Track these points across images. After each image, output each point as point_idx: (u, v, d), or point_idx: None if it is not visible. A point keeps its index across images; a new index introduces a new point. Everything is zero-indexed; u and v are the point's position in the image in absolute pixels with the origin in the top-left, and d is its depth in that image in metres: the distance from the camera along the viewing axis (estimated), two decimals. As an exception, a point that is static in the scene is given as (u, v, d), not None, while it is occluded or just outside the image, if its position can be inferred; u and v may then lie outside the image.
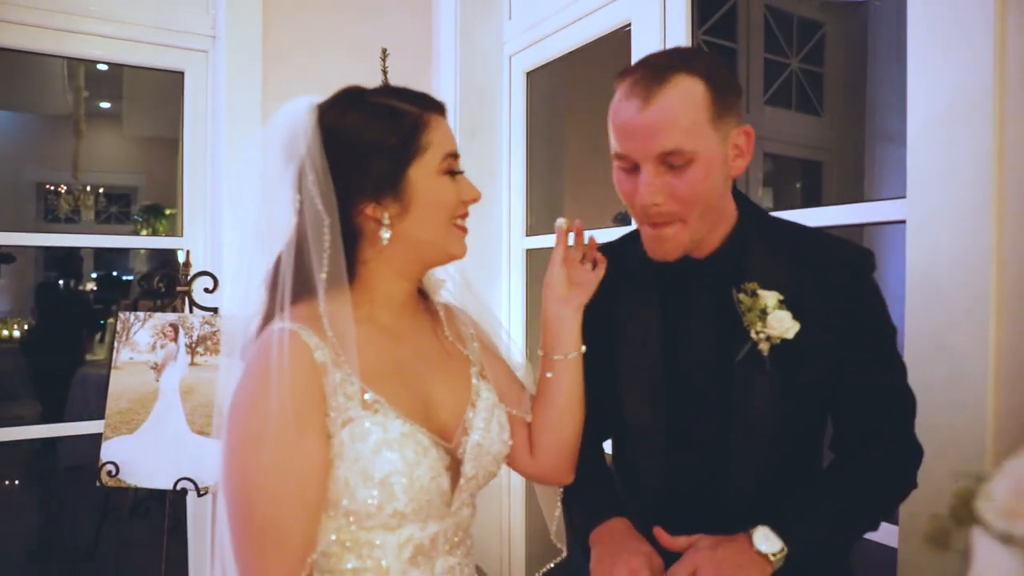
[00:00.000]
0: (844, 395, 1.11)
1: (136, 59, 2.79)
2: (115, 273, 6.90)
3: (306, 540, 0.91)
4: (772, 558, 0.99)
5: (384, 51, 2.59)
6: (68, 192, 6.79)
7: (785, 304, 1.07)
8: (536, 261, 2.92)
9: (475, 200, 1.10)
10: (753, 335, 1.07)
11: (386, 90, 1.08)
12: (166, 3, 2.77)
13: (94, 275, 6.84)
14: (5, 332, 5.44)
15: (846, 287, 1.10)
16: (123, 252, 6.83)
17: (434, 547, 1.02)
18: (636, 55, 2.24)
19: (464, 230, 1.10)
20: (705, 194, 1.05)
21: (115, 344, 2.22)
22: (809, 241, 1.15)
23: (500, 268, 2.96)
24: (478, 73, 2.94)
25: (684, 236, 1.08)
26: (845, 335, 1.09)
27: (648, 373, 1.17)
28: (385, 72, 2.58)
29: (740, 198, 1.18)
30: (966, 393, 1.27)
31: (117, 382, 2.18)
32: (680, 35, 2.09)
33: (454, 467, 1.04)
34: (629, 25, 2.29)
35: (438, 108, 1.08)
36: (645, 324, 1.17)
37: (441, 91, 2.98)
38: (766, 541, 1.00)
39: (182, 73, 2.84)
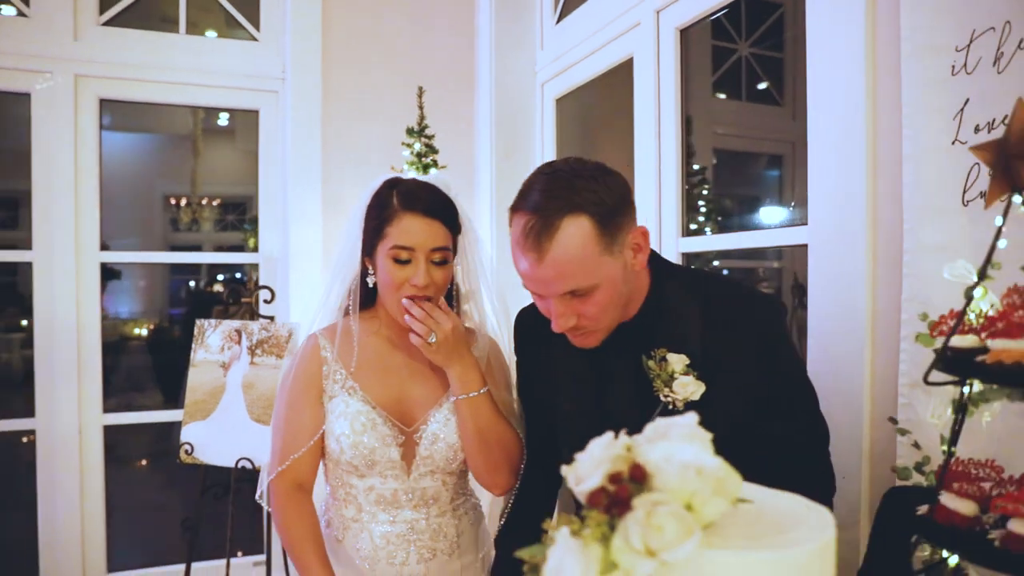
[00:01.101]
0: (756, 445, 1.17)
1: (220, 102, 3.27)
2: (238, 275, 7.67)
3: (298, 441, 1.45)
4: None
5: (420, 89, 2.91)
6: (188, 204, 7.63)
7: (693, 366, 1.16)
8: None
9: (415, 287, 1.38)
10: (662, 398, 1.18)
11: (404, 185, 1.43)
12: (245, 54, 3.22)
13: (220, 277, 7.60)
14: (136, 331, 6.25)
15: (754, 342, 1.17)
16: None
17: (396, 500, 1.46)
18: (639, 86, 2.44)
19: (414, 293, 1.39)
20: (614, 304, 1.17)
21: (192, 345, 2.67)
22: (718, 299, 1.22)
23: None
24: (512, 99, 3.21)
25: (601, 335, 1.21)
26: (756, 386, 1.17)
27: (583, 430, 1.31)
28: (421, 107, 2.90)
29: (653, 261, 1.26)
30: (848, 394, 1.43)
31: (194, 377, 2.63)
32: (670, 67, 2.28)
33: (410, 446, 1.45)
34: (632, 58, 2.50)
35: (418, 208, 1.38)
36: (573, 374, 1.30)
37: (479, 117, 3.29)
38: None
39: (258, 111, 3.29)
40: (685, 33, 2.27)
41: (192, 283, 7.24)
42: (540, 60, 3.19)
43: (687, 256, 2.28)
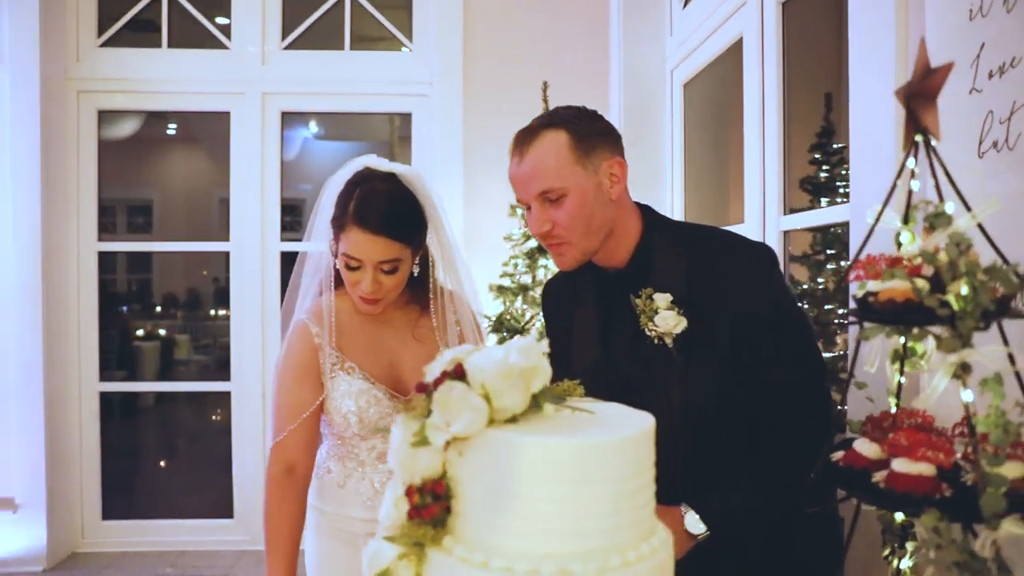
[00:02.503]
0: (746, 386, 1.24)
1: (379, 107, 3.69)
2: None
3: (294, 417, 1.49)
4: (698, 537, 1.21)
5: (545, 84, 3.08)
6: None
7: (677, 304, 1.24)
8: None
9: (362, 292, 1.45)
10: (647, 332, 1.26)
11: (364, 189, 1.45)
12: (399, 63, 3.61)
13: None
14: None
15: (736, 283, 1.23)
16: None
17: None
18: (747, 64, 2.41)
19: (365, 301, 1.47)
20: (585, 218, 1.26)
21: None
22: (702, 245, 1.30)
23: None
24: (641, 88, 3.26)
25: (575, 252, 1.30)
26: (739, 324, 1.21)
27: (589, 364, 1.40)
28: (545, 101, 3.06)
29: (646, 212, 1.37)
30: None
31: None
32: (773, 44, 2.23)
33: None
34: (741, 38, 2.46)
35: (367, 225, 1.39)
36: (588, 326, 1.41)
37: (611, 108, 3.38)
38: (695, 526, 1.21)
39: (410, 114, 3.66)
40: (787, 8, 2.21)
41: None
42: (669, 46, 3.21)
43: (787, 234, 2.22)
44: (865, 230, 1.41)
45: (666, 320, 1.25)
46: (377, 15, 3.60)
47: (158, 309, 8.88)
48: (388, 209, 1.42)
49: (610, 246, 1.33)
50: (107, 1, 3.54)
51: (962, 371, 0.69)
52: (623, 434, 0.66)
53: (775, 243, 2.21)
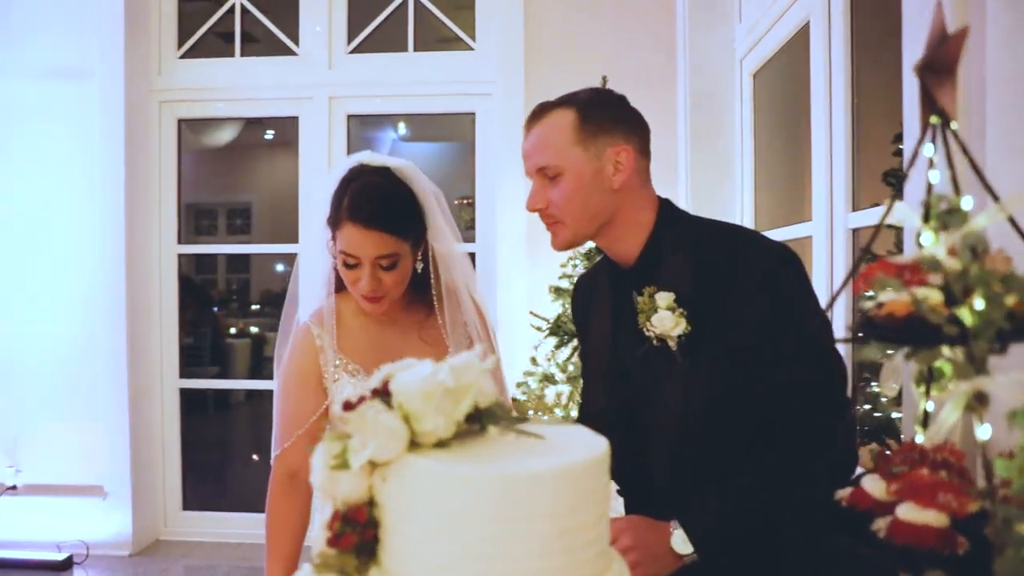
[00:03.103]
0: (751, 391, 1.14)
1: (442, 108, 3.69)
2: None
3: (286, 433, 1.46)
4: (684, 558, 1.14)
5: (604, 78, 2.97)
6: (468, 204, 8.52)
7: (681, 304, 1.17)
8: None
9: (362, 291, 1.39)
10: (646, 332, 1.19)
11: (357, 185, 1.40)
12: (462, 63, 3.59)
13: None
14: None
15: (744, 285, 1.16)
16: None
17: None
18: (814, 48, 2.23)
19: (367, 300, 1.41)
20: (579, 201, 1.23)
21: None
22: (717, 243, 1.24)
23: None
24: (708, 80, 3.10)
25: (567, 233, 1.26)
26: (746, 329, 1.13)
27: (600, 363, 1.37)
28: (605, 95, 2.96)
29: (662, 207, 1.31)
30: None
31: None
32: (840, 26, 2.05)
33: None
34: (808, 22, 2.29)
35: (360, 220, 1.35)
36: (600, 323, 1.37)
37: (677, 101, 3.23)
38: (683, 544, 1.13)
39: (474, 114, 3.64)
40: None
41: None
42: (738, 33, 3.03)
43: (856, 233, 2.03)
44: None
45: (663, 321, 1.18)
46: (440, 15, 3.60)
47: (253, 308, 9.32)
48: (382, 202, 1.38)
49: (614, 237, 1.29)
50: (186, 15, 3.70)
51: (977, 402, 0.57)
52: (556, 464, 0.58)
53: (842, 242, 2.03)
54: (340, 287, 1.49)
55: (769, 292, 1.17)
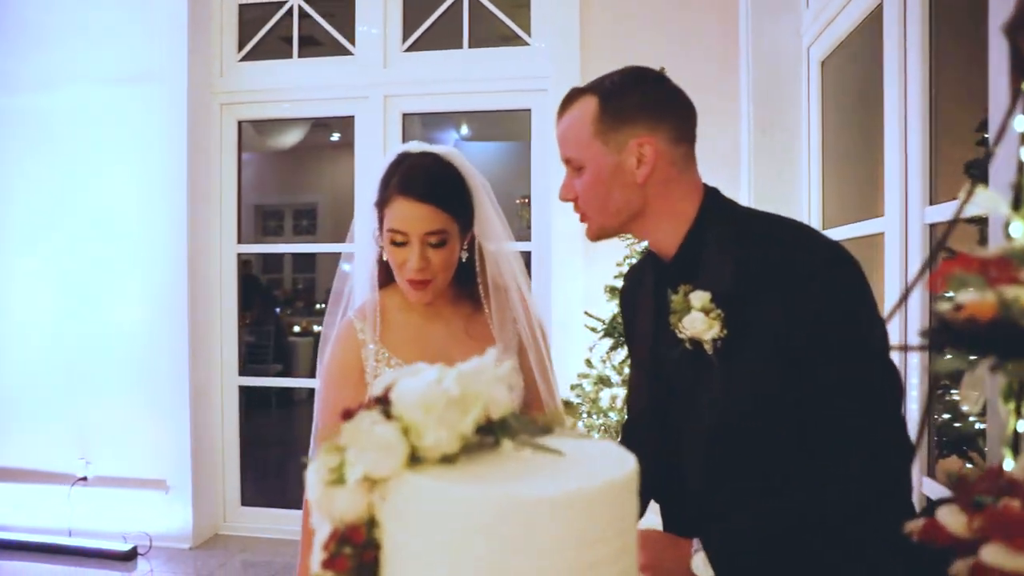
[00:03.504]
0: (791, 397, 1.05)
1: (497, 105, 3.63)
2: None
3: (328, 429, 1.41)
4: None
5: (662, 69, 2.85)
6: (528, 203, 8.45)
7: (719, 304, 1.07)
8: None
9: (411, 270, 1.36)
10: (678, 334, 1.11)
11: (406, 164, 1.40)
12: (518, 58, 3.53)
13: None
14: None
15: (787, 290, 1.05)
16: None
17: None
18: (887, 30, 2.08)
19: (414, 285, 1.38)
20: (600, 196, 1.17)
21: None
22: (764, 237, 1.13)
23: (798, 264, 2.92)
24: (773, 68, 2.95)
25: (594, 226, 1.21)
26: (784, 345, 1.04)
27: (640, 361, 1.31)
28: (662, 88, 2.85)
29: (707, 198, 1.21)
30: None
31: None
32: (916, 5, 1.90)
33: None
34: (881, 3, 2.13)
35: (412, 193, 1.35)
36: (642, 322, 1.30)
37: (740, 92, 3.09)
38: (703, 567, 1.06)
39: (530, 110, 3.57)
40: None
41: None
42: (805, 19, 2.87)
43: (933, 228, 1.87)
44: None
45: (694, 323, 1.09)
46: (495, 10, 3.55)
47: (318, 307, 9.51)
48: (432, 178, 1.39)
49: (648, 229, 1.22)
50: (246, 18, 3.77)
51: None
52: (568, 487, 0.51)
53: (918, 239, 1.87)
54: (384, 283, 1.48)
55: (816, 293, 1.05)
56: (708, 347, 1.10)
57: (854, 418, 1.03)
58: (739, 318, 1.08)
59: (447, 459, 0.55)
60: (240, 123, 3.79)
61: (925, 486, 1.87)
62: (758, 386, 1.09)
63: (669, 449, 1.22)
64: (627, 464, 0.57)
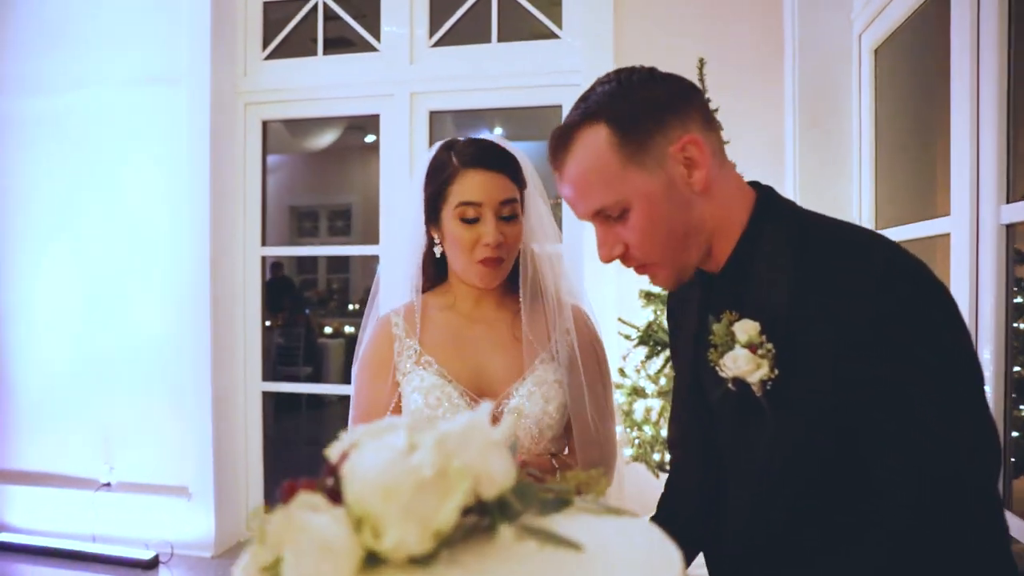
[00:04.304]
0: (856, 451, 0.87)
1: (527, 101, 3.48)
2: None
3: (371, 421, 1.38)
4: None
5: (701, 61, 2.68)
6: (557, 204, 8.32)
7: (771, 334, 0.90)
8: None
9: (488, 245, 1.28)
10: (719, 373, 0.94)
11: (460, 145, 1.35)
12: (548, 52, 3.38)
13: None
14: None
15: (857, 316, 0.86)
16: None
17: None
18: (956, 10, 1.87)
19: (487, 265, 1.30)
20: (663, 232, 0.97)
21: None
22: (819, 251, 0.93)
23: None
24: (820, 59, 2.74)
25: (669, 272, 1.01)
26: (849, 383, 0.86)
27: (679, 388, 1.17)
28: (702, 80, 2.66)
29: (760, 197, 1.02)
30: None
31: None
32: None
33: (492, 423, 1.31)
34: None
35: (480, 163, 1.30)
36: (683, 348, 1.14)
37: (785, 84, 2.89)
38: None
39: (560, 106, 3.42)
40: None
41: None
42: (856, 4, 2.66)
43: (1011, 229, 1.66)
44: None
45: (737, 362, 0.91)
46: (524, 3, 3.40)
47: (351, 308, 9.47)
48: (494, 150, 1.34)
49: (713, 248, 1.02)
50: (272, 18, 3.68)
51: None
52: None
53: (991, 240, 1.67)
54: (428, 284, 1.43)
55: (890, 334, 0.85)
56: (756, 388, 0.92)
57: (904, 518, 0.84)
58: (795, 347, 0.90)
59: (419, 560, 0.40)
60: (265, 123, 3.70)
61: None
62: (808, 445, 0.92)
63: (709, 482, 1.09)
64: (671, 566, 0.41)
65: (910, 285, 0.88)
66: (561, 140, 0.99)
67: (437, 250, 1.36)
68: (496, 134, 6.96)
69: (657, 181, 0.96)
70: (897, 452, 0.84)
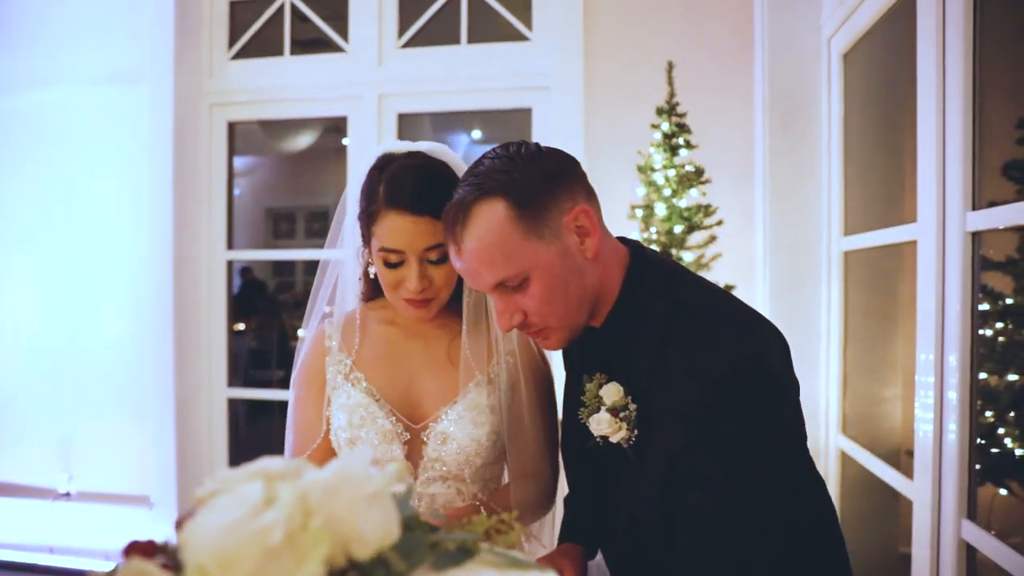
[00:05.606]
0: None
1: (497, 104, 3.43)
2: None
3: (305, 441, 1.32)
4: None
5: (670, 64, 2.65)
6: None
7: (637, 401, 1.02)
8: (854, 263, 2.58)
9: (410, 292, 1.20)
10: (590, 430, 1.06)
11: (391, 169, 1.23)
12: (518, 54, 3.33)
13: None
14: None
15: (697, 387, 0.96)
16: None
17: None
18: (922, 17, 1.85)
19: (414, 305, 1.23)
20: (560, 298, 1.02)
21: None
22: (682, 333, 1.01)
23: (819, 271, 2.69)
24: (791, 63, 2.72)
25: (561, 334, 1.07)
26: (691, 434, 0.98)
27: (565, 433, 1.24)
28: (671, 84, 2.64)
29: (632, 255, 1.10)
30: None
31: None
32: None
33: (417, 446, 1.27)
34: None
35: (403, 205, 1.17)
36: (570, 385, 1.22)
37: (755, 88, 2.87)
38: None
39: (530, 109, 3.37)
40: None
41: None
42: (826, 7, 2.65)
43: (977, 237, 1.64)
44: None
45: (600, 424, 1.02)
46: (494, 4, 3.35)
47: (327, 310, 9.34)
48: (426, 184, 1.18)
49: (597, 307, 1.11)
50: (237, 15, 3.60)
51: None
52: None
53: (957, 247, 1.65)
54: (370, 298, 1.36)
55: (712, 407, 0.96)
56: (622, 443, 1.03)
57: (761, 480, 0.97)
58: (647, 416, 1.02)
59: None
60: (232, 124, 3.62)
61: (965, 530, 1.65)
62: (656, 500, 1.02)
63: (597, 496, 1.17)
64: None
65: (742, 387, 0.95)
66: (458, 216, 1.01)
67: (372, 270, 1.27)
68: (474, 138, 6.84)
69: (554, 251, 1.01)
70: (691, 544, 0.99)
